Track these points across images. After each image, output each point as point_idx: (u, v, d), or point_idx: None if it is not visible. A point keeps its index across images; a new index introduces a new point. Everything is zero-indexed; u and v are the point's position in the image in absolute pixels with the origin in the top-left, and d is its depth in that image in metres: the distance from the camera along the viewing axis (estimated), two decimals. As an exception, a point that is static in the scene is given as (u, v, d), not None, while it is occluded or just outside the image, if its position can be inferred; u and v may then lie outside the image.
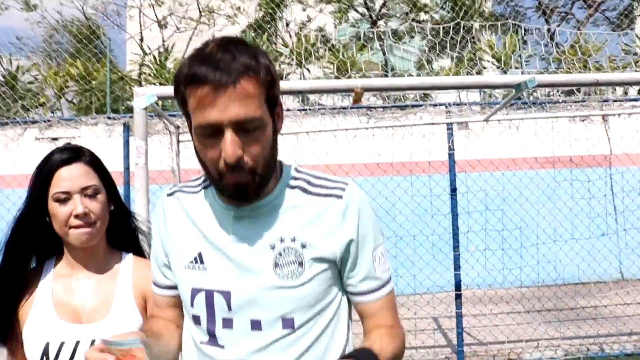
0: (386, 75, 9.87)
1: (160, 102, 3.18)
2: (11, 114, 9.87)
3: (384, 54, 10.53)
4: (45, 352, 1.46)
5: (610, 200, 9.06)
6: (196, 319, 1.26)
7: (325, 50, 13.23)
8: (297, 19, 16.91)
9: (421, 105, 8.59)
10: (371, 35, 13.68)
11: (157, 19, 16.08)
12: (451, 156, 5.51)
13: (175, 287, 1.33)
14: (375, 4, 17.37)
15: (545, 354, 5.70)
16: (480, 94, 10.62)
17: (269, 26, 14.94)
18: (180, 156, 4.87)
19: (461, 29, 8.38)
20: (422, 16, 17.31)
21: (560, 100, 8.55)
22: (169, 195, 1.37)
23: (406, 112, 8.52)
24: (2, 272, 1.54)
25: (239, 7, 16.60)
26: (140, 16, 16.20)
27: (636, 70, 10.16)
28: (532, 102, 8.56)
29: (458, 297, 5.39)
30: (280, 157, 1.29)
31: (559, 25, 16.58)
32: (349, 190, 1.25)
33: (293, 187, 1.26)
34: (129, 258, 1.66)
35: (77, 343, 1.47)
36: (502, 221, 8.26)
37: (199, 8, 16.36)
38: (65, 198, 1.48)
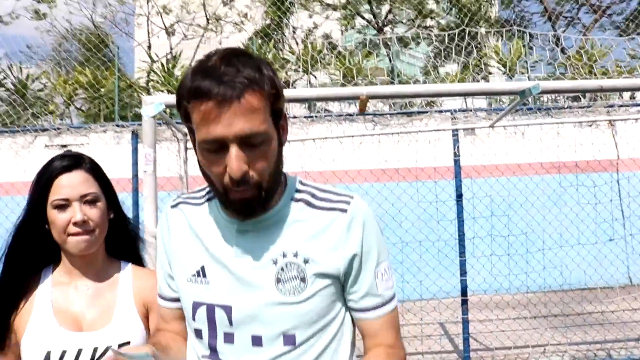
0: (392, 81, 9.92)
1: (168, 110, 3.23)
2: (22, 121, 9.99)
3: (390, 60, 10.57)
4: None
5: (617, 206, 9.04)
6: (198, 333, 1.24)
7: (331, 57, 13.30)
8: (304, 26, 17.00)
9: (427, 112, 8.62)
10: (377, 42, 13.73)
11: (165, 26, 16.21)
12: (457, 162, 5.53)
13: None
14: (381, 11, 17.43)
15: (551, 359, 5.69)
16: (486, 99, 10.64)
17: (275, 33, 15.03)
18: (188, 163, 4.93)
19: (466, 36, 8.39)
20: (428, 22, 17.35)
21: (566, 106, 8.55)
22: (173, 206, 1.35)
23: (412, 118, 8.55)
24: (2, 280, 1.52)
25: (245, 14, 16.72)
26: (148, 24, 16.34)
27: (642, 76, 10.14)
28: (537, 107, 8.57)
29: (464, 302, 5.39)
30: (286, 166, 1.26)
31: (564, 31, 16.59)
32: (353, 204, 1.23)
33: (297, 200, 1.23)
34: (128, 267, 1.64)
35: (80, 351, 1.46)
36: (508, 227, 8.27)
37: (206, 16, 16.48)
38: (64, 205, 1.47)
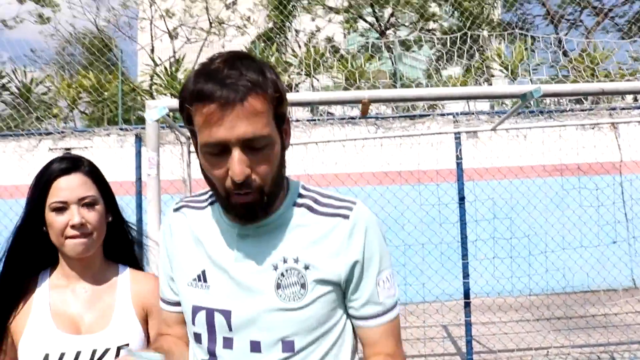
0: (395, 85, 9.93)
1: (171, 114, 3.24)
2: (26, 125, 10.04)
3: (393, 63, 10.59)
4: None
5: (620, 208, 9.04)
6: (197, 337, 1.23)
7: (334, 60, 13.32)
8: (307, 29, 17.04)
9: (429, 115, 8.64)
10: (380, 45, 13.75)
11: (168, 30, 16.28)
12: (459, 165, 5.54)
13: None
14: (384, 14, 17.46)
15: (554, 362, 5.70)
16: (489, 102, 10.65)
17: (278, 37, 15.08)
18: (191, 166, 4.95)
19: (468, 39, 8.41)
20: (431, 25, 17.37)
21: (568, 109, 8.56)
22: (176, 210, 1.35)
23: (414, 121, 8.58)
24: (1, 279, 1.52)
25: (248, 18, 16.77)
26: (151, 27, 16.41)
27: (644, 78, 10.15)
28: (539, 110, 8.58)
29: (467, 305, 5.40)
30: (288, 169, 1.26)
31: (567, 33, 16.59)
32: (356, 210, 1.21)
33: (299, 206, 1.22)
34: (126, 270, 1.64)
35: (78, 354, 1.45)
36: (510, 229, 8.28)
37: (209, 19, 16.53)
38: (62, 208, 1.46)
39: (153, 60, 14.85)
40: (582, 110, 8.41)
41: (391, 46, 13.98)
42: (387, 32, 17.37)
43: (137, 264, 1.69)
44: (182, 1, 16.40)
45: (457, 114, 8.47)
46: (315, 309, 1.16)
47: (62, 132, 8.79)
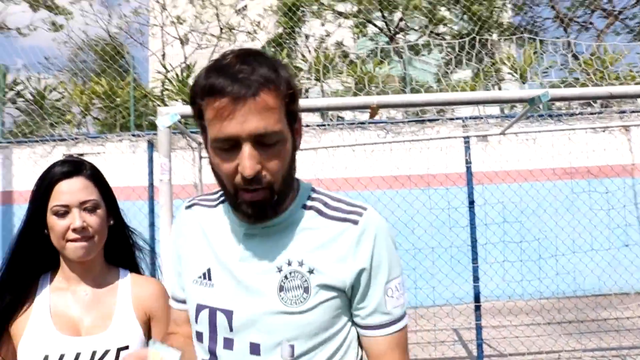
0: (404, 89, 9.96)
1: (183, 120, 3.30)
2: (41, 131, 10.18)
3: (403, 67, 10.62)
4: None
5: (632, 211, 8.99)
6: (199, 336, 1.22)
7: (344, 64, 13.37)
8: (316, 34, 17.10)
9: (438, 120, 8.67)
10: (389, 51, 13.79)
11: (179, 36, 16.41)
12: (469, 169, 5.57)
13: None
14: (393, 18, 17.49)
15: (566, 365, 5.69)
16: (498, 106, 10.63)
17: (287, 42, 15.16)
18: (203, 171, 5.02)
19: (476, 43, 8.43)
20: (441, 29, 17.36)
21: (578, 112, 8.54)
22: (187, 207, 1.34)
23: (424, 126, 8.60)
24: (3, 282, 1.52)
25: (258, 23, 16.86)
26: (162, 34, 16.56)
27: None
28: (548, 114, 8.58)
29: (477, 308, 5.42)
30: (298, 174, 1.24)
31: (577, 36, 16.54)
32: (366, 216, 1.17)
33: (308, 208, 1.19)
34: (127, 274, 1.64)
35: (78, 355, 1.45)
36: (520, 233, 8.27)
37: (219, 25, 16.65)
38: (64, 212, 1.47)
39: (164, 66, 14.97)
40: (592, 113, 8.40)
41: (401, 50, 14.01)
42: (397, 36, 17.39)
43: (137, 267, 1.69)
44: (193, 7, 16.52)
45: (466, 118, 8.49)
46: (318, 314, 1.13)
47: (76, 138, 8.91)
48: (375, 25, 17.75)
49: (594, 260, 8.23)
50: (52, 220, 1.47)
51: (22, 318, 1.49)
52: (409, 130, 8.62)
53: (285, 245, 1.16)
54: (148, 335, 1.57)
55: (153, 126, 10.22)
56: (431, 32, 16.92)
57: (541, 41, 11.00)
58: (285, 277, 1.13)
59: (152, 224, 5.88)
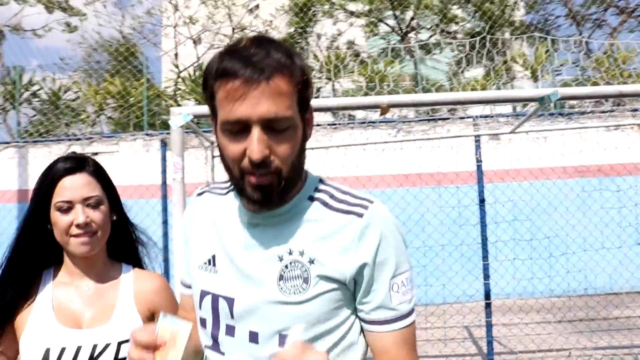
0: (416, 87, 9.99)
1: (195, 119, 3.37)
2: (57, 131, 10.34)
3: (415, 66, 10.63)
4: (46, 358, 1.45)
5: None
6: (202, 322, 1.22)
7: (355, 64, 13.40)
8: (328, 33, 17.14)
9: (449, 119, 8.69)
10: (400, 49, 13.79)
11: (191, 35, 16.55)
12: (479, 167, 5.59)
13: None
14: (405, 16, 17.47)
15: (577, 363, 5.69)
16: (510, 104, 10.61)
17: (299, 41, 15.22)
18: (215, 170, 5.10)
19: (487, 42, 8.42)
20: (453, 27, 17.32)
21: (589, 111, 8.52)
22: (199, 194, 1.35)
23: (434, 125, 8.63)
24: (5, 277, 1.53)
25: (270, 22, 16.94)
26: (175, 34, 16.70)
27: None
28: (559, 112, 8.56)
29: (488, 306, 5.44)
30: (310, 170, 1.24)
31: (591, 34, 16.42)
32: (372, 209, 1.14)
33: (314, 199, 1.18)
34: (129, 269, 1.65)
35: (79, 348, 1.46)
36: (530, 231, 8.27)
37: (231, 25, 16.75)
38: (67, 207, 1.48)
39: (177, 66, 15.11)
40: (604, 111, 8.37)
41: (412, 49, 14.01)
42: (409, 34, 17.38)
43: (139, 262, 1.70)
44: (205, 8, 16.64)
45: (476, 117, 8.49)
46: (316, 305, 1.11)
47: (91, 137, 9.04)
48: (387, 24, 17.75)
49: (605, 258, 8.20)
50: (56, 216, 1.48)
51: (25, 312, 1.51)
52: (420, 129, 8.65)
53: (288, 235, 1.14)
54: None
55: (166, 125, 10.32)
56: (443, 30, 16.90)
57: (553, 40, 10.94)
58: (286, 266, 1.12)
59: (165, 222, 5.97)
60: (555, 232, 8.52)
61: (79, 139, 8.97)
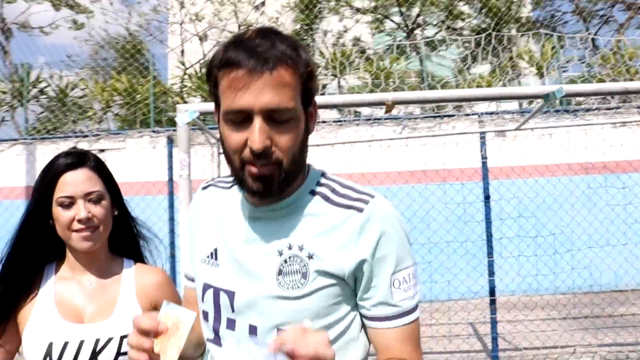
0: (422, 83, 9.99)
1: (201, 117, 3.40)
2: (64, 128, 10.41)
3: (421, 62, 10.63)
4: (49, 353, 1.45)
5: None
6: (205, 315, 1.22)
7: (361, 60, 13.40)
8: (334, 30, 17.14)
9: (454, 116, 8.69)
10: (406, 47, 13.77)
11: (197, 32, 16.58)
12: (484, 164, 5.60)
13: None
14: (411, 13, 17.45)
15: (581, 360, 5.70)
16: (517, 101, 10.59)
17: (305, 38, 15.22)
18: (221, 167, 5.13)
19: (493, 39, 8.41)
20: (459, 23, 17.29)
21: (595, 107, 8.50)
22: (204, 188, 1.35)
23: (439, 121, 8.64)
24: (6, 272, 1.54)
25: (276, 19, 16.94)
26: (181, 31, 16.73)
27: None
28: (565, 109, 8.55)
29: (492, 302, 5.46)
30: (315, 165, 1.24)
31: (598, 30, 16.35)
32: (372, 204, 1.13)
33: (315, 193, 1.17)
34: (131, 264, 1.66)
35: (82, 343, 1.47)
36: (535, 227, 8.27)
37: (237, 22, 16.77)
38: (69, 203, 1.48)
39: (183, 63, 15.15)
40: (609, 108, 8.34)
41: (418, 46, 14.00)
42: (415, 31, 17.35)
43: (141, 257, 1.70)
44: (211, 4, 16.66)
45: (481, 114, 8.49)
46: (314, 300, 1.10)
47: (98, 134, 9.11)
48: (393, 21, 17.73)
49: (610, 255, 8.19)
50: (58, 212, 1.49)
51: (27, 306, 1.52)
52: (425, 126, 8.66)
53: (288, 229, 1.14)
54: None
55: (172, 122, 10.36)
56: (449, 27, 16.86)
57: (558, 38, 10.90)
58: (285, 261, 1.12)
59: (171, 218, 6.01)
60: (560, 229, 8.50)
61: (86, 136, 9.03)
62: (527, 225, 8.14)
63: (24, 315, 1.52)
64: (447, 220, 8.11)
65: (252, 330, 1.12)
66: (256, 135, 1.02)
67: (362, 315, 1.16)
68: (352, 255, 1.10)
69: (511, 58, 11.50)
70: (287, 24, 16.86)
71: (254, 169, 1.05)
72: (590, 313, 7.31)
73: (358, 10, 17.12)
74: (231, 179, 1.26)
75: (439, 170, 8.51)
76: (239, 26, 16.83)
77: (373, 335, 1.15)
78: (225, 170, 1.21)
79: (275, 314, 1.11)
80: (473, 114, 8.63)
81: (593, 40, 12.32)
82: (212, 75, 1.09)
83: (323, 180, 1.20)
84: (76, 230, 1.49)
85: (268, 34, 1.06)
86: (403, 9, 16.99)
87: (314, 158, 1.23)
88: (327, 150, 7.63)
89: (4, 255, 1.55)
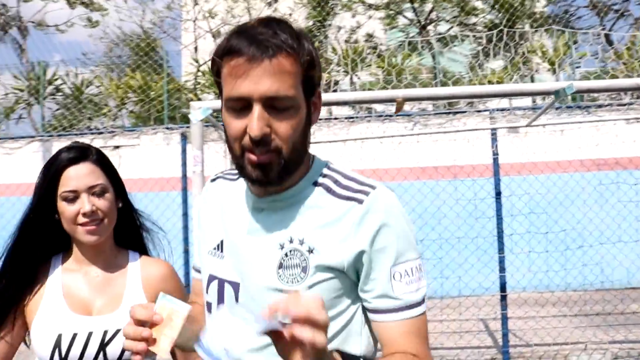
0: (435, 79, 9.99)
1: (214, 113, 3.47)
2: (79, 125, 10.56)
3: (434, 58, 10.63)
4: (58, 344, 1.47)
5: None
6: (208, 306, 1.23)
7: (373, 57, 13.39)
8: (347, 26, 17.15)
9: (465, 112, 8.68)
10: (418, 42, 13.75)
11: (210, 29, 16.67)
12: (495, 160, 5.62)
13: None
14: (424, 9, 17.40)
15: (593, 356, 5.68)
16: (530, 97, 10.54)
17: (318, 34, 15.25)
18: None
19: (505, 36, 8.38)
20: (472, 19, 17.20)
21: (607, 103, 8.44)
22: (212, 180, 1.36)
23: (451, 118, 8.64)
24: (9, 267, 1.55)
25: (290, 15, 16.98)
26: (194, 28, 16.83)
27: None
28: (577, 105, 8.50)
29: (503, 298, 5.48)
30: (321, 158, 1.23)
31: (613, 25, 16.20)
32: (373, 195, 1.11)
33: (318, 185, 1.16)
34: (136, 256, 1.68)
35: (90, 334, 1.49)
36: (546, 224, 8.25)
37: (250, 19, 16.83)
38: (73, 197, 1.50)
39: (196, 60, 15.25)
40: (622, 104, 8.29)
41: (431, 42, 13.97)
42: (428, 27, 17.31)
43: (145, 249, 1.72)
44: (225, 1, 16.73)
45: (493, 110, 8.48)
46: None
47: (113, 131, 9.22)
48: (406, 17, 17.69)
49: (622, 252, 8.14)
50: (62, 206, 1.51)
51: (35, 298, 1.54)
52: (436, 122, 8.67)
53: (289, 222, 1.14)
54: None
55: (186, 119, 10.47)
56: (462, 22, 16.79)
57: (570, 34, 10.82)
58: (286, 254, 1.12)
59: (185, 214, 6.09)
60: (571, 225, 8.47)
61: (101, 133, 9.15)
62: (538, 222, 8.13)
63: (32, 307, 1.54)
64: (458, 217, 8.12)
65: None
66: (255, 122, 1.02)
67: (365, 309, 1.15)
68: (351, 247, 1.09)
69: (524, 54, 11.44)
70: (300, 21, 16.89)
71: (253, 157, 1.06)
72: (601, 310, 7.28)
73: (370, 6, 17.10)
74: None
75: (450, 166, 8.51)
76: (252, 23, 16.87)
77: (378, 329, 1.14)
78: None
79: None
80: (485, 110, 8.61)
81: (607, 35, 12.23)
82: (214, 63, 1.10)
83: (326, 172, 1.18)
84: (81, 224, 1.50)
85: (270, 22, 1.07)
86: (416, 5, 16.95)
87: (326, 154, 1.24)
88: (339, 146, 7.66)
89: (6, 251, 1.57)
